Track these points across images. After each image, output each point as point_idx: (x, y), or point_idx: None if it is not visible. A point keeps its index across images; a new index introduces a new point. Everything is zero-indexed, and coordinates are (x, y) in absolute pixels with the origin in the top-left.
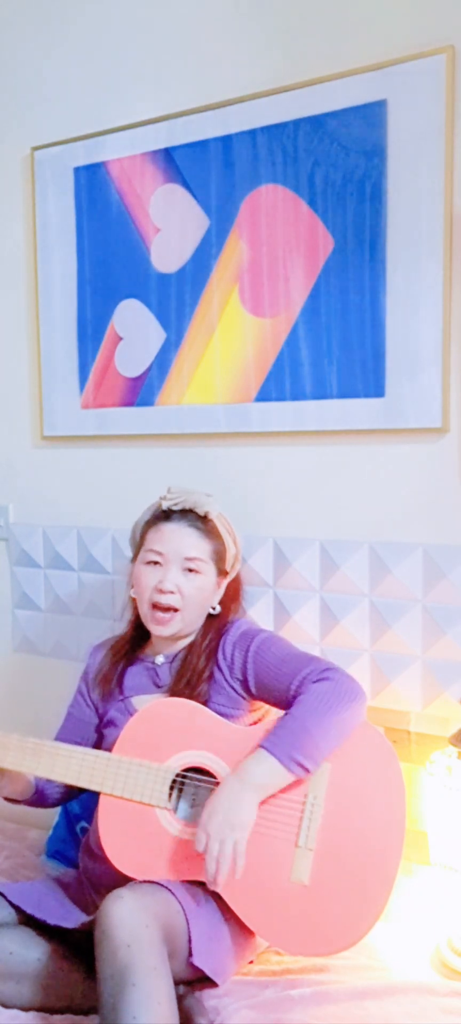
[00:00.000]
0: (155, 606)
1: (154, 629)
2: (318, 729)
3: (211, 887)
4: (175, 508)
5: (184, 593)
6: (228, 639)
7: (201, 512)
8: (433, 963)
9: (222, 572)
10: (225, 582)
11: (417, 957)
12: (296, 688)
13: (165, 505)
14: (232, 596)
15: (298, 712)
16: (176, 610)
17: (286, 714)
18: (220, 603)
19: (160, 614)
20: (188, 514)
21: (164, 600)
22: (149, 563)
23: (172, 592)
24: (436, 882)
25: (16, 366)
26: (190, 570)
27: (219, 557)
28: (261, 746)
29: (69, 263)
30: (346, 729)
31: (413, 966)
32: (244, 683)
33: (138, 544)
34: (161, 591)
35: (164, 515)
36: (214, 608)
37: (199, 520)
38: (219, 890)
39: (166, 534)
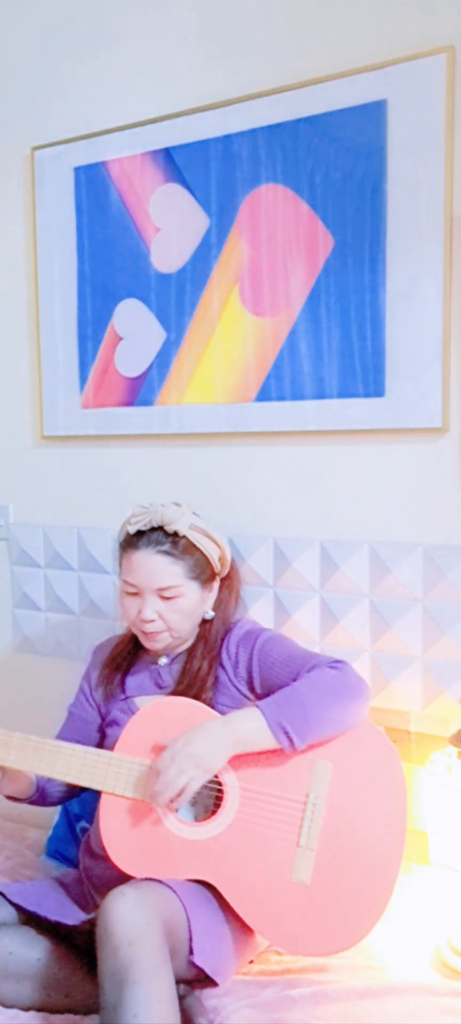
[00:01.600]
0: (143, 632)
1: (147, 646)
2: (315, 709)
3: (151, 800)
4: (143, 529)
5: (165, 618)
6: (232, 639)
7: (169, 531)
8: (433, 963)
9: (210, 579)
10: (216, 583)
11: (417, 957)
12: (305, 675)
13: (131, 529)
14: (227, 592)
15: (300, 686)
16: (161, 632)
17: (289, 686)
18: (217, 602)
19: (148, 636)
20: (157, 533)
21: (147, 628)
22: (128, 593)
23: (153, 620)
24: (436, 882)
25: (16, 366)
26: (167, 597)
27: (199, 569)
28: (255, 704)
29: (69, 263)
30: (344, 721)
31: (413, 966)
32: (249, 682)
33: (119, 565)
34: (143, 620)
35: (133, 540)
36: (207, 613)
37: (169, 540)
38: (155, 806)
39: (135, 565)
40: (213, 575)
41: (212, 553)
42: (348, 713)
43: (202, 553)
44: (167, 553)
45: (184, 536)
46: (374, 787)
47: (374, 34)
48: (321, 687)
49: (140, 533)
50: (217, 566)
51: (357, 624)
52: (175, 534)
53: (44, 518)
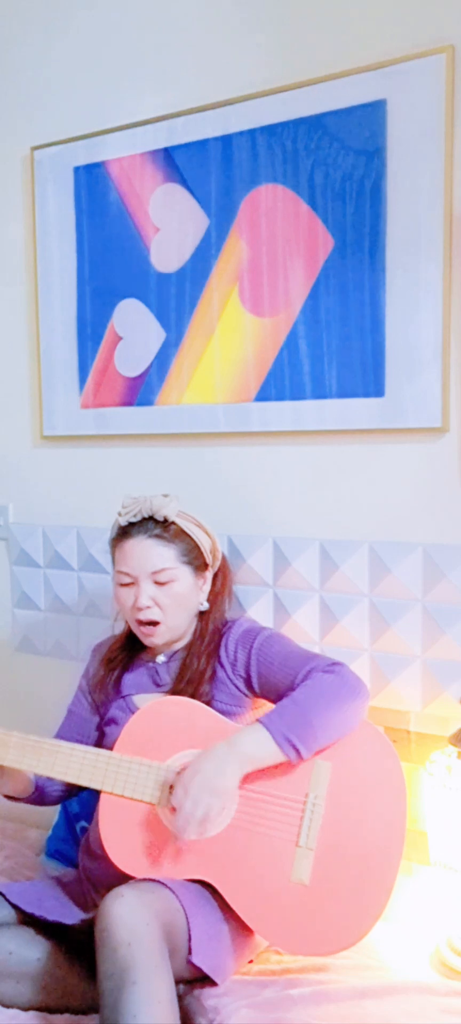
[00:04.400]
0: (139, 622)
1: (144, 641)
2: (317, 716)
3: (176, 840)
4: (133, 520)
5: (161, 604)
6: (231, 636)
7: (159, 518)
8: (433, 963)
9: (202, 567)
10: (209, 575)
11: (417, 957)
12: (301, 681)
13: (122, 521)
14: (221, 586)
15: (300, 696)
16: (159, 623)
17: (288, 696)
18: (211, 595)
19: (145, 628)
20: (147, 523)
21: (143, 616)
22: (122, 585)
23: (149, 607)
24: (436, 882)
25: (16, 366)
26: (161, 582)
27: (191, 555)
28: (258, 720)
29: (69, 263)
30: (345, 724)
31: (413, 966)
32: (247, 680)
33: (112, 561)
34: (138, 608)
35: (124, 531)
36: (202, 604)
37: (159, 527)
38: (181, 842)
39: (128, 552)
40: (205, 564)
41: (202, 541)
42: (350, 715)
43: (192, 540)
44: (159, 537)
45: (173, 522)
46: (373, 786)
47: (374, 34)
48: (321, 693)
49: (131, 524)
50: (208, 557)
51: (357, 624)
52: (165, 520)
53: (44, 518)
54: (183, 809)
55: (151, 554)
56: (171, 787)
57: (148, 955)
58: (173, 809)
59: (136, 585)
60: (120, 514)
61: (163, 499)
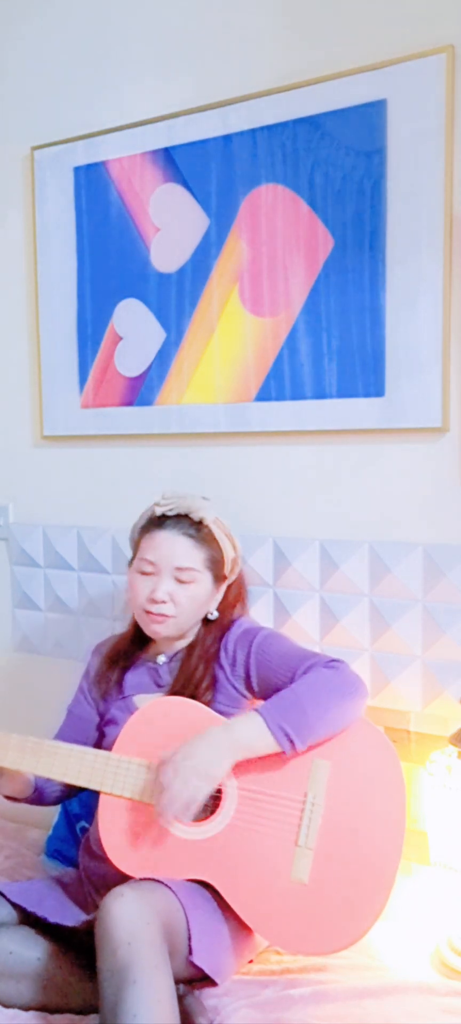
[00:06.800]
0: (148, 612)
1: (149, 630)
2: (314, 709)
3: (156, 817)
4: (169, 514)
5: (177, 601)
6: (230, 637)
7: (195, 518)
8: (433, 963)
9: (220, 577)
10: (223, 586)
11: (417, 957)
12: (301, 675)
13: (159, 511)
14: (235, 598)
15: (298, 687)
16: (169, 616)
17: (287, 688)
18: (222, 605)
19: (154, 618)
20: (182, 520)
21: (156, 609)
22: (142, 572)
23: (164, 602)
24: (436, 882)
25: (16, 366)
26: (183, 580)
27: (215, 564)
28: (255, 709)
29: (69, 263)
30: (342, 720)
31: (413, 966)
32: (246, 681)
33: (134, 549)
34: (153, 600)
35: (158, 521)
36: (211, 613)
37: (193, 527)
38: (161, 821)
39: (158, 542)
40: (223, 576)
41: (228, 554)
42: (346, 711)
43: (219, 549)
44: (191, 537)
45: (208, 527)
46: (372, 786)
47: (374, 34)
48: (319, 687)
49: (165, 516)
50: (227, 568)
51: (357, 624)
52: (200, 523)
53: (44, 518)
54: (171, 788)
55: (181, 549)
56: None
57: (148, 954)
58: (187, 840)
59: (156, 576)
60: (158, 504)
61: (202, 501)
